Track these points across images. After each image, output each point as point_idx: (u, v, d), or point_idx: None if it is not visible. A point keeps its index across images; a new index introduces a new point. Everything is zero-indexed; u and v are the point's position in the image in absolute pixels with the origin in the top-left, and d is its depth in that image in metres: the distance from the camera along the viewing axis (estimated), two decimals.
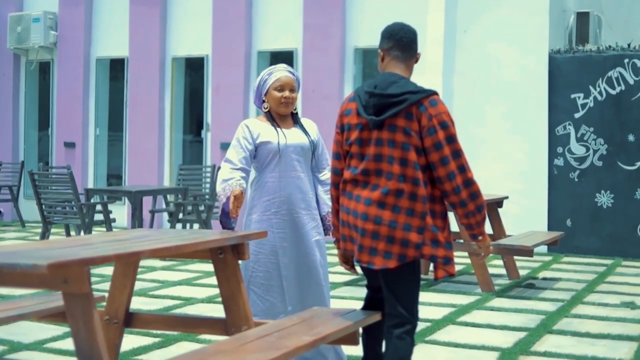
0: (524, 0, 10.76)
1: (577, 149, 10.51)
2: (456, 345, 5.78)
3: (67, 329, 5.72)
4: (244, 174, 4.57)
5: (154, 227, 10.96)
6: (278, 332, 3.78)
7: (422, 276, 8.12)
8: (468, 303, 7.27)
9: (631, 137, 10.26)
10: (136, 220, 9.47)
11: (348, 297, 7.33)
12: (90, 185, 13.14)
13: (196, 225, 10.32)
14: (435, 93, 3.87)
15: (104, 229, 10.15)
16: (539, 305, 7.19)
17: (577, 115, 10.51)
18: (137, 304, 6.78)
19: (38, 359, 5.38)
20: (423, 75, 9.27)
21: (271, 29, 12.11)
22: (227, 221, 4.52)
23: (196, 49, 12.65)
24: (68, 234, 10.14)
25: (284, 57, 11.53)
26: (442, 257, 3.84)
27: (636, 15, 14.17)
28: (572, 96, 10.54)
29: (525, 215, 10.42)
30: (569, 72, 10.56)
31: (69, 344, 5.33)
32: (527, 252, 7.65)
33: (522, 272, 8.86)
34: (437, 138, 3.78)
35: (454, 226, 7.97)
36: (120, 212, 12.28)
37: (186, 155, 13.08)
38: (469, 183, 3.83)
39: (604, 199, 10.37)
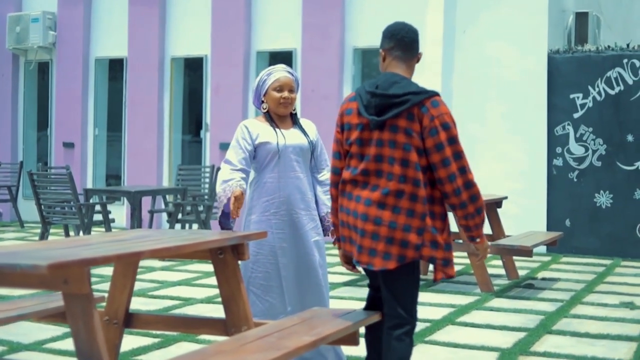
0: (523, 0, 10.77)
1: (576, 149, 10.51)
2: (455, 345, 5.79)
3: (67, 330, 5.72)
4: (244, 175, 4.57)
5: (153, 227, 10.95)
6: (278, 333, 3.78)
7: (422, 276, 8.13)
8: (467, 303, 7.27)
9: (630, 137, 10.26)
10: (135, 220, 9.47)
11: (348, 298, 7.33)
12: (89, 186, 13.13)
13: (195, 226, 10.32)
14: (437, 94, 3.87)
15: (103, 229, 10.14)
16: (538, 306, 7.19)
17: (576, 116, 10.51)
18: (137, 304, 6.77)
19: None
20: (422, 75, 9.22)
21: (270, 29, 12.11)
22: (226, 222, 4.53)
23: (195, 49, 12.64)
24: (67, 235, 10.13)
25: (283, 57, 11.53)
26: (441, 259, 3.84)
27: (635, 16, 14.17)
28: (571, 96, 10.54)
29: (525, 215, 10.42)
30: (568, 72, 10.56)
31: (69, 344, 5.33)
32: (527, 252, 7.65)
33: (522, 273, 8.86)
34: (439, 139, 3.78)
35: (454, 227, 7.96)
36: (119, 212, 12.28)
37: (185, 156, 13.07)
38: (470, 185, 3.83)
39: (603, 199, 10.37)
